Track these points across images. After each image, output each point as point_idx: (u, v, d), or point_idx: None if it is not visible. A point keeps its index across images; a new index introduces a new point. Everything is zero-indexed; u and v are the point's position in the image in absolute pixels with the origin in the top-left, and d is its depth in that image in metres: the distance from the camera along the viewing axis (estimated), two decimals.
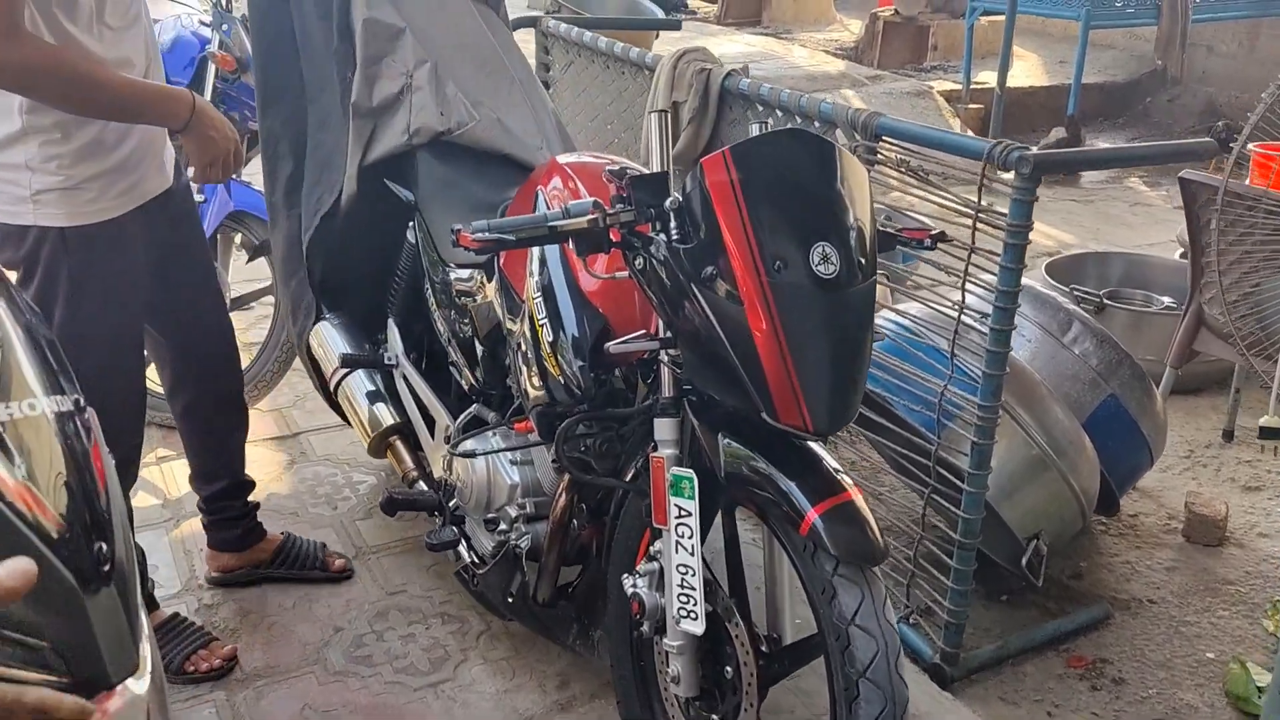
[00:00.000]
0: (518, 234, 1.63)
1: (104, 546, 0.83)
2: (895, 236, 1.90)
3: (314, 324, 2.84)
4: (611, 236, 1.68)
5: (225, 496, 2.63)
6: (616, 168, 2.04)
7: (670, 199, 1.65)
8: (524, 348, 2.03)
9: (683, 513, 1.71)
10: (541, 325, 1.92)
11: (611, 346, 1.73)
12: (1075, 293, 3.92)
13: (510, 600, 2.24)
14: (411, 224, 2.69)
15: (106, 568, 0.83)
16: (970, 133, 7.65)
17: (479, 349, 2.38)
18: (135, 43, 2.11)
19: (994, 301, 2.25)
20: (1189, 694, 2.53)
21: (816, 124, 2.70)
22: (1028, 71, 9.10)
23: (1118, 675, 2.58)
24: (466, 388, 2.51)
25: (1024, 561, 2.60)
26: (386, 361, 2.70)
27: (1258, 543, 3.14)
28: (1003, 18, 8.82)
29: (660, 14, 8.06)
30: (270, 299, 3.38)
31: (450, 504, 2.42)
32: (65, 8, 1.93)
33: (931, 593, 2.54)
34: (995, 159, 2.18)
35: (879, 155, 2.53)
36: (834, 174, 1.63)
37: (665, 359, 1.75)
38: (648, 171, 1.75)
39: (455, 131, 2.51)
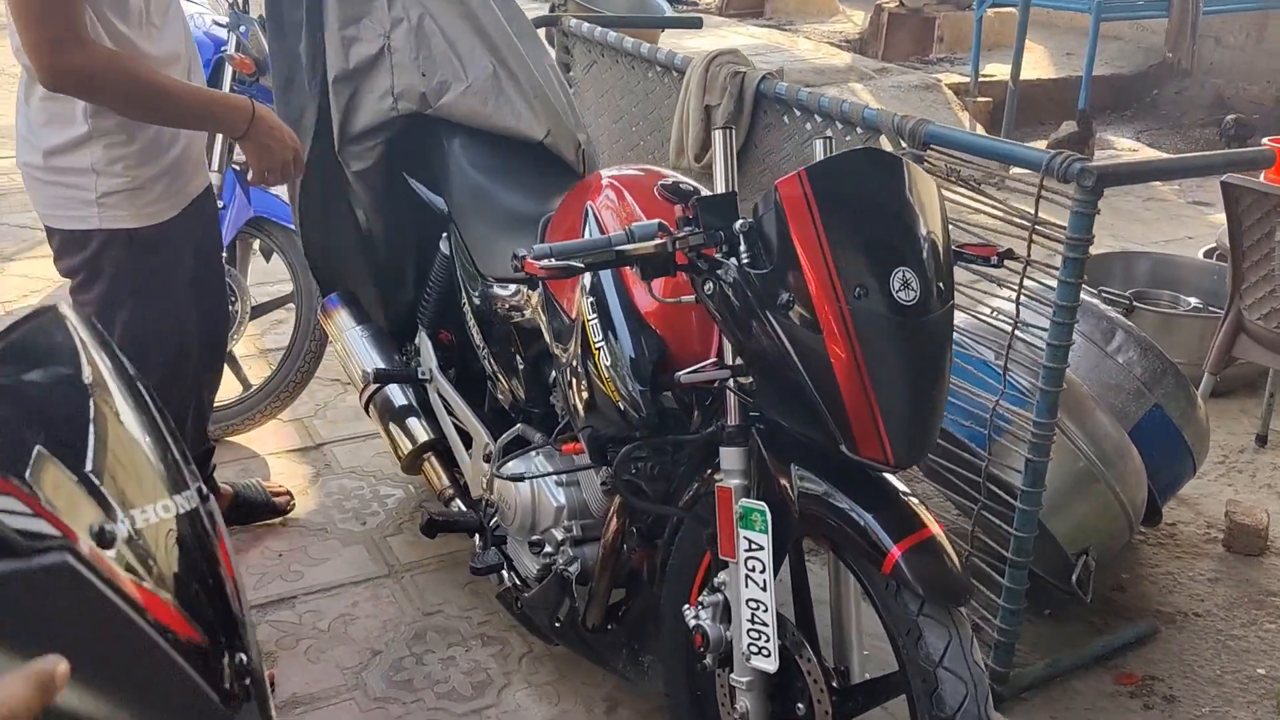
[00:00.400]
0: (584, 260, 1.57)
1: (243, 658, 0.77)
2: (959, 253, 1.84)
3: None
4: (677, 259, 1.62)
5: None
6: (670, 182, 1.99)
7: (740, 221, 1.59)
8: (575, 368, 1.97)
9: (753, 546, 1.65)
10: (598, 348, 1.86)
11: (683, 376, 1.67)
12: (1103, 294, 3.87)
13: (558, 625, 2.18)
14: (445, 235, 2.62)
15: (247, 681, 0.77)
16: (980, 128, 7.60)
17: (521, 365, 2.32)
18: (177, 37, 2.16)
19: (1052, 317, 2.20)
20: (1242, 712, 2.48)
21: (859, 130, 2.64)
22: (1034, 64, 9.02)
23: (1169, 693, 2.54)
24: (507, 405, 2.45)
25: (1074, 578, 2.55)
26: (420, 376, 2.64)
27: None
28: (1010, 9, 8.77)
29: (669, 10, 7.98)
30: (291, 306, 3.31)
31: (491, 524, 2.37)
32: (118, 10, 1.94)
33: (979, 609, 2.49)
34: (1055, 170, 2.12)
35: (926, 163, 2.47)
36: (911, 195, 1.57)
37: (732, 386, 1.69)
38: (711, 191, 1.69)
39: (441, 95, 2.45)
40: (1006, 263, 2.16)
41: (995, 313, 2.48)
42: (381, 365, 2.68)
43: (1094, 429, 2.60)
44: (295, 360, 3.25)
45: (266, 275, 3.68)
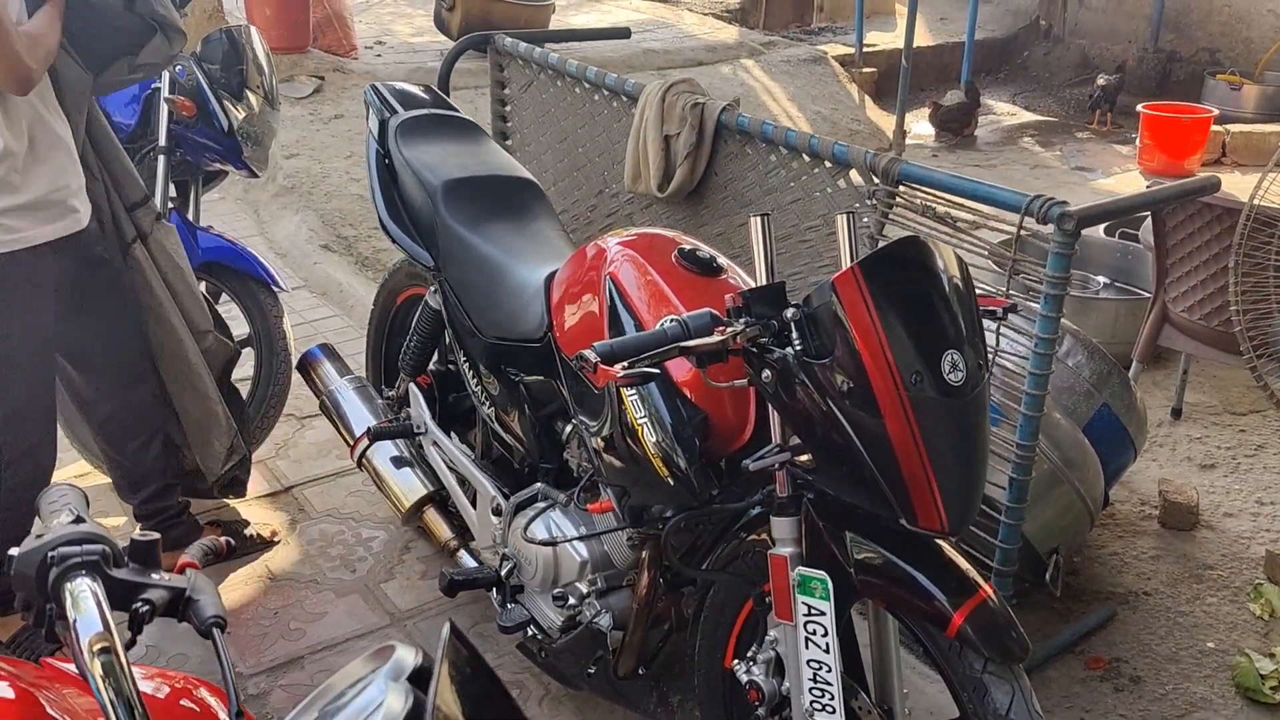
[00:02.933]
0: (655, 359, 1.63)
1: None
2: None
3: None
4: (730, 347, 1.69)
5: (156, 499, 2.74)
6: (687, 249, 2.06)
7: (791, 310, 1.67)
8: (610, 438, 2.02)
9: (814, 612, 1.75)
10: (640, 423, 1.92)
11: (751, 465, 1.75)
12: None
13: (590, 674, 2.26)
14: (432, 289, 2.63)
15: None
16: (869, 99, 7.80)
17: (531, 420, 2.36)
18: None
19: (1033, 348, 2.35)
20: (1200, 687, 2.72)
21: (828, 164, 2.73)
22: None
23: (1134, 674, 2.75)
24: (511, 457, 2.49)
25: (1047, 576, 2.74)
26: (415, 430, 2.66)
27: (1225, 523, 3.36)
28: None
29: None
30: (251, 350, 3.26)
31: (506, 576, 2.41)
32: None
33: None
34: (1034, 213, 2.26)
35: (899, 200, 2.59)
36: (951, 279, 1.68)
37: (779, 465, 1.78)
38: (762, 282, 1.76)
39: None
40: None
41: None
42: (374, 421, 2.69)
43: (1056, 433, 2.78)
44: (261, 405, 3.21)
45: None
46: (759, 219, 1.78)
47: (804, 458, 1.74)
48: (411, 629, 2.74)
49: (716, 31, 8.76)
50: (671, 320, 1.72)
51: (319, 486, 3.31)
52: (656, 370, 1.61)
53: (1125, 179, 6.63)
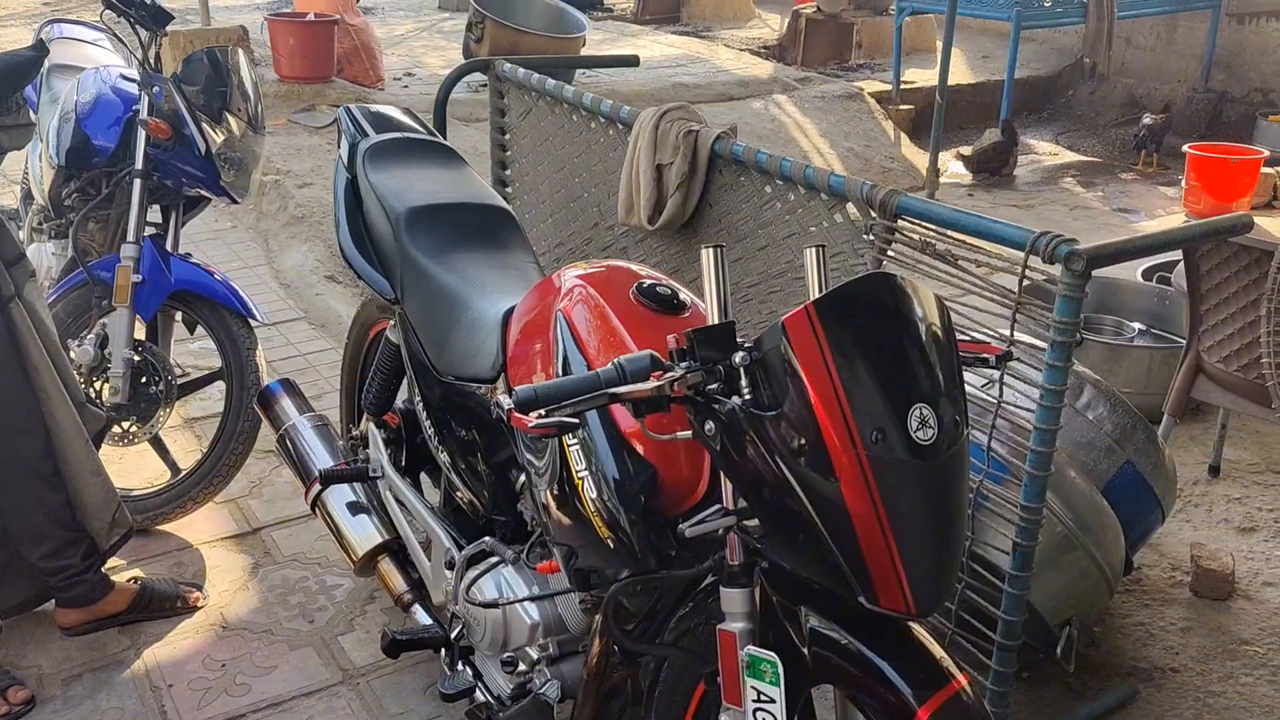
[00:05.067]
0: (577, 408, 1.43)
1: None
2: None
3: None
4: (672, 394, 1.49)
5: (53, 557, 2.56)
6: (646, 285, 1.87)
7: (740, 355, 1.46)
8: (553, 490, 1.83)
9: (764, 698, 1.53)
10: (580, 477, 1.73)
11: (687, 530, 1.54)
12: None
13: None
14: (393, 323, 2.46)
15: None
16: (905, 136, 7.60)
17: (483, 469, 2.17)
18: None
19: (1040, 400, 2.12)
20: None
21: (823, 196, 2.54)
22: (951, 68, 9.07)
23: None
24: (465, 505, 2.30)
25: (1059, 650, 2.49)
26: (371, 473, 2.48)
27: (1265, 593, 3.09)
28: (928, 15, 8.81)
29: (586, 21, 7.84)
30: (222, 384, 3.11)
31: (455, 636, 2.22)
32: None
33: None
34: (1040, 251, 2.04)
35: (898, 235, 2.38)
36: (922, 322, 1.47)
37: (737, 531, 1.58)
38: (713, 320, 1.56)
39: None
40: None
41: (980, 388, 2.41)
42: (330, 463, 2.51)
43: (1070, 494, 2.54)
44: (229, 441, 3.05)
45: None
46: (710, 250, 1.58)
47: (753, 522, 1.53)
48: (364, 687, 2.54)
49: (751, 67, 8.61)
50: (610, 365, 1.53)
51: (289, 529, 3.14)
52: (574, 421, 1.41)
53: (1169, 222, 6.35)
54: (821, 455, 1.39)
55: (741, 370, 1.46)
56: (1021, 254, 2.11)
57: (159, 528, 3.07)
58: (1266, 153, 6.45)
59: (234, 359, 3.06)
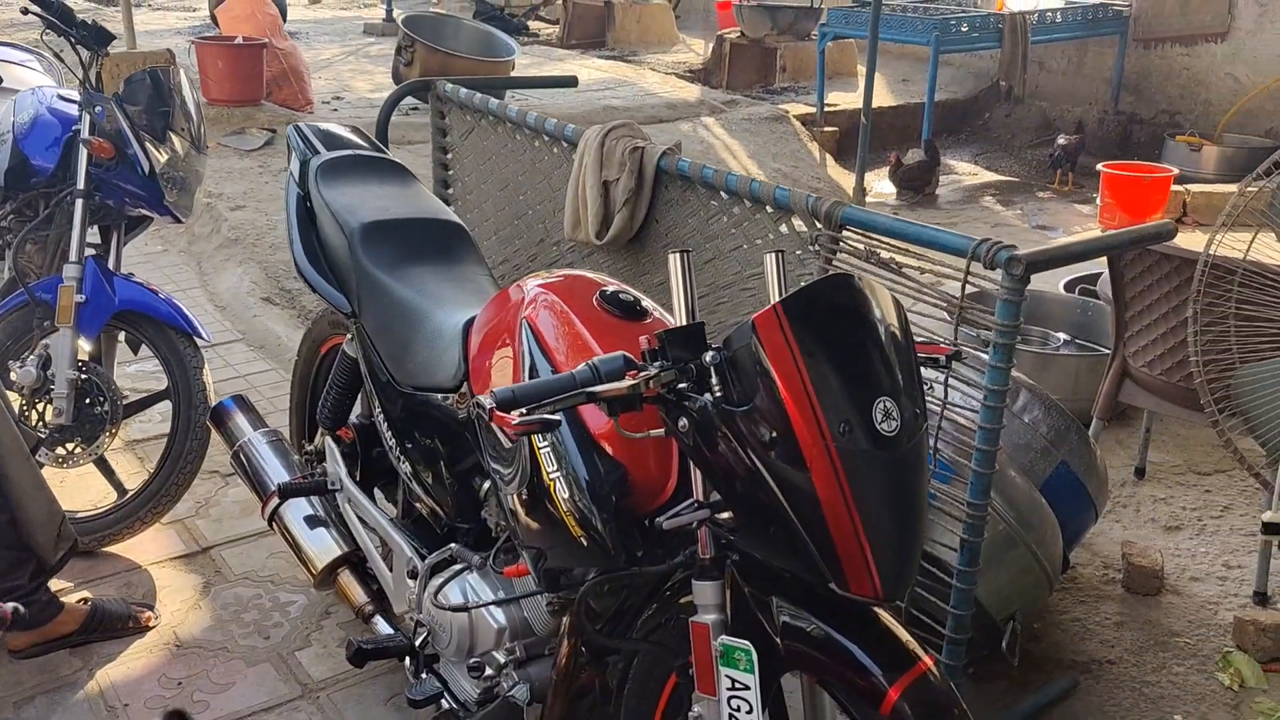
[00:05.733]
0: (556, 406, 1.48)
1: None
2: None
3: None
4: (645, 393, 1.55)
5: (4, 576, 2.52)
6: (610, 292, 1.93)
7: (711, 354, 1.53)
8: (522, 495, 1.87)
9: (738, 685, 1.59)
10: (553, 479, 1.77)
11: (665, 523, 1.59)
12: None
13: None
14: (349, 336, 2.48)
15: None
16: (830, 157, 7.77)
17: (447, 478, 2.20)
18: None
19: (984, 400, 2.21)
20: None
21: (769, 209, 2.62)
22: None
23: None
24: (427, 514, 2.33)
25: (1004, 644, 2.58)
26: (330, 486, 2.49)
27: (1192, 588, 3.22)
28: (849, 40, 9.03)
29: (515, 46, 7.90)
30: (168, 404, 3.08)
31: (420, 644, 2.24)
32: None
33: None
34: (981, 257, 2.14)
35: (842, 245, 2.47)
36: (884, 320, 1.54)
37: (709, 524, 1.63)
38: (681, 322, 1.62)
39: None
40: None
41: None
42: (286, 477, 2.52)
43: (1011, 493, 2.64)
44: (177, 461, 3.03)
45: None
46: (678, 255, 1.64)
47: (725, 515, 1.59)
48: (324, 701, 2.54)
49: (678, 90, 8.74)
50: (584, 365, 1.58)
51: (239, 547, 3.12)
52: (557, 419, 1.45)
53: (1087, 237, 6.58)
54: (792, 447, 1.46)
55: (712, 369, 1.52)
56: (963, 261, 2.21)
57: (106, 549, 3.03)
58: (1176, 171, 6.72)
59: (181, 378, 3.04)
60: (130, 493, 3.08)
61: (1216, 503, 3.69)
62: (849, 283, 1.56)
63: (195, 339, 3.07)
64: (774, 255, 1.75)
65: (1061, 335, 4.36)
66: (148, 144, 3.03)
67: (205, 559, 3.08)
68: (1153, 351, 3.17)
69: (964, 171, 8.36)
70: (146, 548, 3.10)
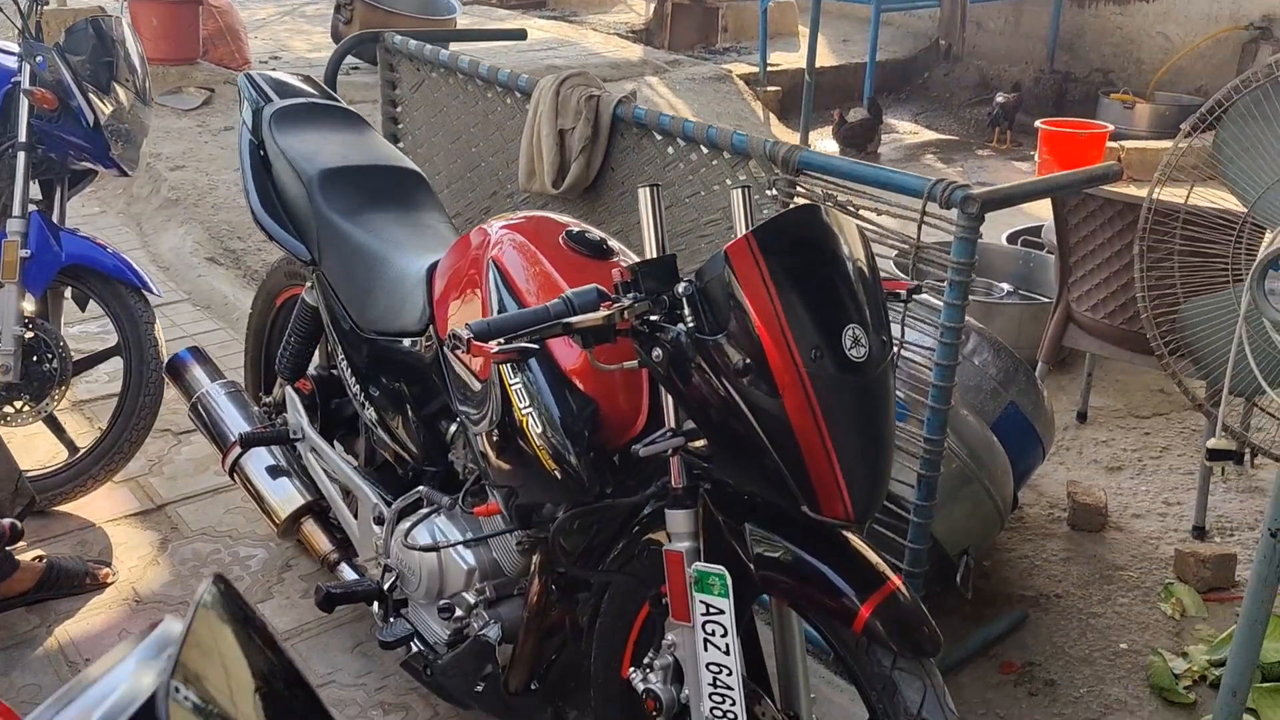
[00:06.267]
0: (532, 335, 1.49)
1: None
2: None
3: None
4: (618, 326, 1.57)
5: None
6: (576, 231, 1.94)
7: (683, 285, 1.55)
8: (493, 433, 1.88)
9: (713, 610, 1.62)
10: (525, 414, 1.79)
11: (640, 450, 1.61)
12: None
13: (478, 691, 2.10)
14: (308, 285, 2.47)
15: None
16: (773, 117, 7.80)
17: (414, 423, 2.20)
18: None
19: (940, 338, 2.27)
20: (1115, 689, 2.65)
21: (726, 155, 2.64)
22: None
23: (1048, 677, 2.68)
24: (393, 460, 2.33)
25: (958, 578, 2.66)
26: (292, 435, 2.48)
27: (1134, 524, 3.33)
28: (791, 0, 9.04)
29: (454, 2, 7.80)
30: (117, 363, 3.04)
31: (388, 588, 2.25)
32: None
33: None
34: (937, 197, 2.18)
35: (799, 189, 2.50)
36: (849, 250, 1.57)
37: (673, 450, 1.66)
38: (651, 255, 1.64)
39: None
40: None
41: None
42: (246, 427, 2.50)
43: (964, 431, 2.71)
44: (130, 418, 2.99)
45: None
46: (648, 189, 1.66)
47: (699, 443, 1.62)
48: (290, 651, 2.54)
49: (621, 50, 8.70)
50: (558, 298, 1.59)
51: (195, 504, 3.10)
52: (535, 346, 1.47)
53: None
54: (765, 373, 1.49)
55: (684, 299, 1.54)
56: (918, 203, 2.26)
57: (58, 508, 2.99)
58: (1110, 127, 6.85)
59: (131, 333, 2.99)
60: (82, 451, 3.04)
61: (1155, 444, 3.80)
62: (817, 213, 1.59)
63: (145, 294, 3.02)
64: (740, 191, 1.77)
65: (1005, 286, 4.45)
66: (91, 95, 2.96)
67: (161, 516, 3.05)
68: (1096, 296, 3.26)
69: (905, 130, 8.45)
70: (100, 506, 3.07)
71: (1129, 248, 3.06)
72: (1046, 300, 4.06)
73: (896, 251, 2.84)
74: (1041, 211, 5.48)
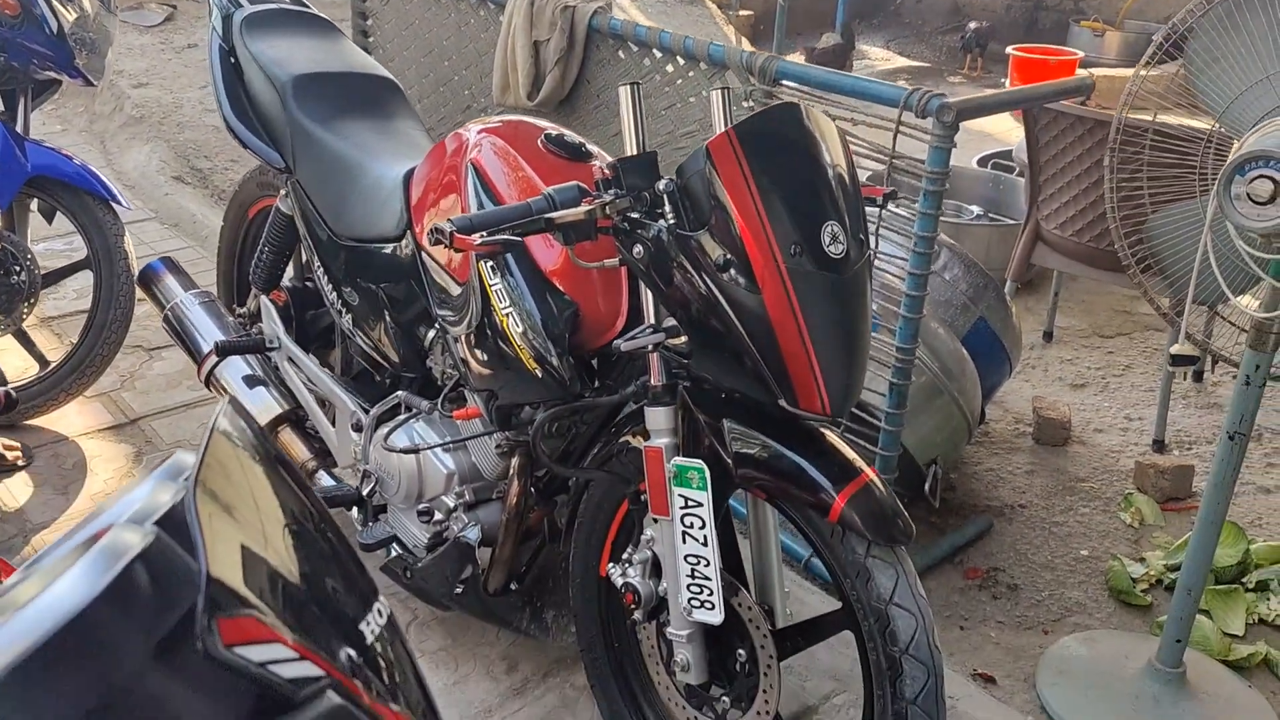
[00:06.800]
0: (515, 230, 1.50)
1: None
2: None
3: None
4: (600, 223, 1.58)
5: None
6: (554, 134, 1.94)
7: (664, 182, 1.56)
8: (473, 335, 1.90)
9: (691, 504, 1.66)
10: (505, 314, 1.80)
11: (622, 344, 1.63)
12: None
13: (458, 592, 2.13)
14: (283, 192, 2.45)
15: None
16: (745, 41, 7.74)
17: (392, 330, 2.21)
18: None
19: (913, 247, 2.29)
20: (1075, 592, 2.73)
21: (703, 65, 2.63)
22: None
23: (1011, 582, 2.75)
24: (374, 371, 2.34)
25: (927, 487, 2.72)
26: (269, 345, 2.48)
27: (1096, 438, 3.41)
28: None
29: None
30: (86, 282, 3.02)
31: (368, 494, 2.27)
32: None
33: None
34: (913, 106, 2.19)
35: (775, 100, 2.50)
36: (829, 149, 1.59)
37: (653, 346, 1.68)
38: (631, 153, 1.64)
39: None
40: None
41: None
42: (221, 337, 2.50)
43: (935, 344, 2.75)
44: (100, 331, 2.98)
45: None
46: (629, 87, 1.66)
47: (678, 340, 1.64)
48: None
49: None
50: (540, 195, 1.60)
51: (168, 418, 3.10)
52: (518, 239, 1.48)
53: (997, 120, 6.70)
54: (745, 268, 1.51)
55: (665, 196, 1.56)
56: (894, 113, 2.27)
57: (30, 421, 2.99)
58: (1081, 55, 6.85)
59: (101, 246, 2.97)
60: (53, 365, 3.03)
61: (1119, 363, 3.88)
62: (798, 111, 1.60)
63: (113, 206, 2.99)
64: (720, 92, 1.78)
65: (975, 208, 4.48)
66: (54, 1, 2.90)
67: (135, 430, 3.06)
68: (1065, 214, 3.29)
69: (877, 57, 8.41)
70: (72, 420, 3.06)
71: (1098, 165, 3.09)
72: (1015, 222, 4.10)
73: (870, 174, 2.87)
74: (1011, 136, 5.50)
